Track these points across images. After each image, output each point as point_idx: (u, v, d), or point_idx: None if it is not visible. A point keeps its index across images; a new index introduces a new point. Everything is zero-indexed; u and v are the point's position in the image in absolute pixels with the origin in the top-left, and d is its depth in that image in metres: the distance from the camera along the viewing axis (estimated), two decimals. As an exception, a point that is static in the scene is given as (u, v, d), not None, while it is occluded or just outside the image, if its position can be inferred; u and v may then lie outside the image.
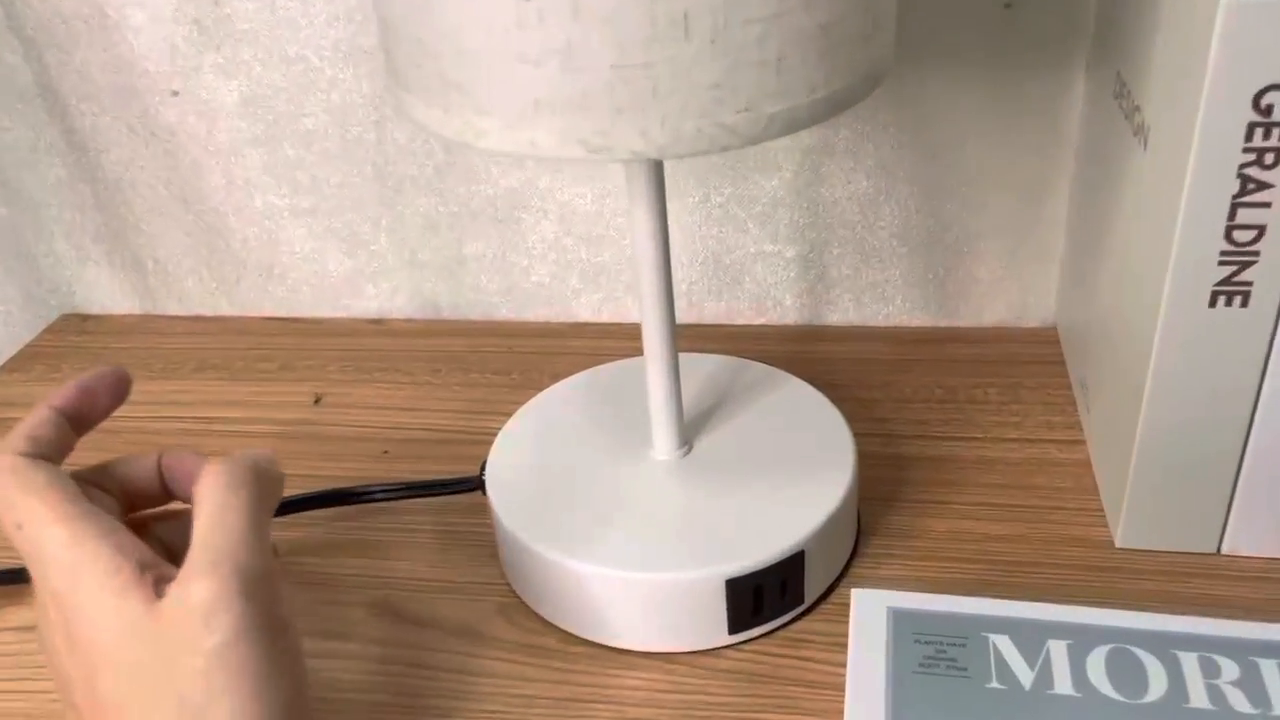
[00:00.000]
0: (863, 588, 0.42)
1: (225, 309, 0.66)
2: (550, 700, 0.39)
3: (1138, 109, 0.42)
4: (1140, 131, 0.41)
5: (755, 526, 0.41)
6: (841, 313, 0.59)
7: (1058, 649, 0.35)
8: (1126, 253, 0.43)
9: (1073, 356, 0.53)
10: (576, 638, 0.42)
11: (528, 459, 0.45)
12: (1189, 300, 0.37)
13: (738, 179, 0.56)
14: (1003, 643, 0.35)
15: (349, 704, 0.40)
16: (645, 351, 0.42)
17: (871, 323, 0.59)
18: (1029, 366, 0.55)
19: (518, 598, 0.44)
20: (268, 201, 0.62)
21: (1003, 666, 0.34)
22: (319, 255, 0.63)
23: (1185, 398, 0.39)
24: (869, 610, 0.37)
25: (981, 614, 0.36)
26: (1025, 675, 0.34)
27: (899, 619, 0.36)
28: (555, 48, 0.29)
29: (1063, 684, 0.34)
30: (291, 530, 0.48)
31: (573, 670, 0.40)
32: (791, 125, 0.31)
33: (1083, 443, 0.49)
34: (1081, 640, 0.35)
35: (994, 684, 0.34)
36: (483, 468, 0.46)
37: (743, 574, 0.39)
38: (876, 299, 0.59)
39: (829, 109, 0.32)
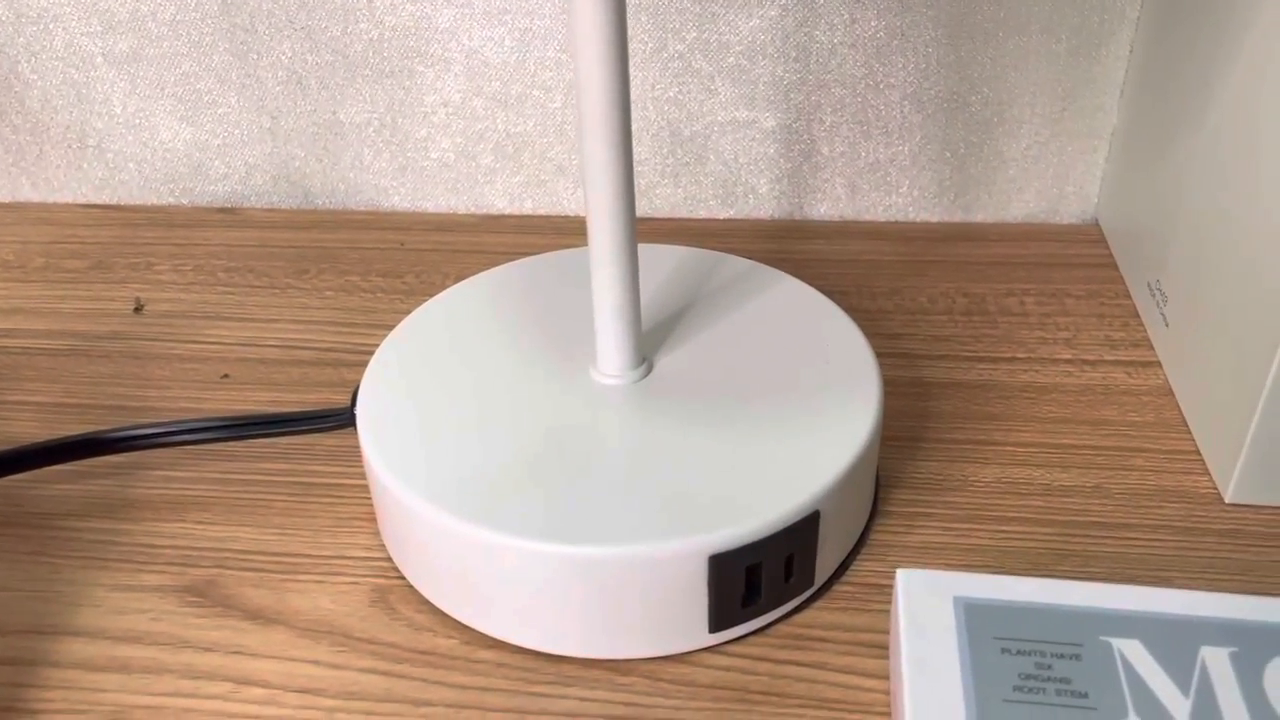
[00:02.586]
0: (898, 562, 0.30)
1: (27, 193, 0.50)
2: (447, 736, 0.26)
3: (1290, -113, 0.29)
4: (1294, -82, 0.29)
5: (748, 478, 0.28)
6: (832, 203, 0.47)
7: (1217, 660, 0.23)
8: (1250, 120, 0.31)
9: (1135, 257, 0.41)
10: (487, 638, 0.29)
11: (417, 385, 0.32)
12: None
13: (705, 20, 0.43)
14: (1133, 651, 0.23)
15: (139, 747, 0.26)
16: (590, 229, 0.29)
17: (869, 216, 0.47)
18: (1071, 270, 0.43)
19: (402, 578, 0.30)
20: (72, 43, 0.46)
21: (1141, 691, 0.23)
22: (146, 119, 0.48)
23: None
24: (925, 602, 0.25)
25: (1097, 607, 0.24)
26: (1178, 703, 0.22)
27: (973, 616, 0.24)
28: None
29: (1234, 714, 0.22)
30: (80, 484, 0.34)
31: (482, 686, 0.27)
32: None
33: (1157, 364, 0.38)
34: (1251, 645, 0.23)
35: (1133, 719, 0.22)
36: (354, 397, 0.32)
37: (733, 547, 0.26)
38: (878, 185, 0.46)
39: None
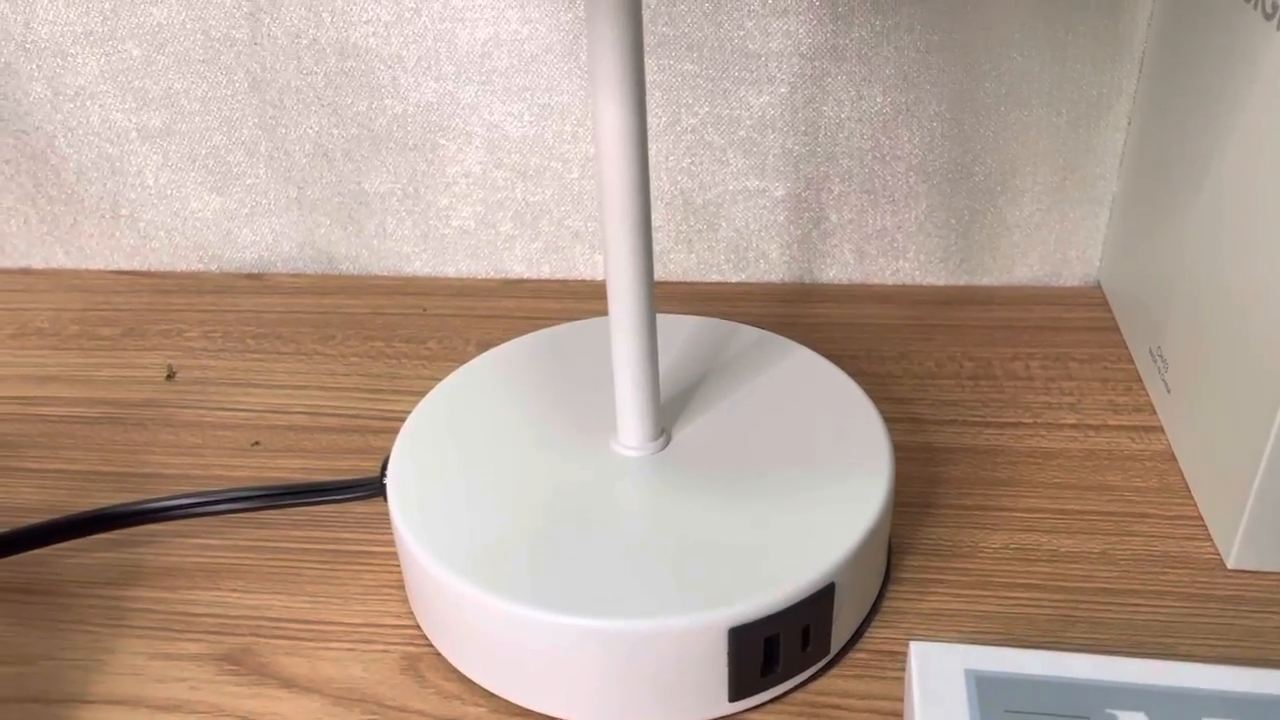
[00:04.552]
0: (911, 629, 0.31)
1: (60, 260, 0.52)
2: (477, 805, 0.27)
3: (1275, -18, 0.31)
4: (1277, 13, 0.31)
5: (766, 550, 0.29)
6: (840, 267, 0.48)
7: (1220, 734, 0.24)
8: (1246, 189, 0.32)
9: (1137, 322, 0.43)
10: (514, 706, 0.30)
11: (443, 457, 0.33)
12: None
13: (716, 95, 0.44)
14: (1139, 724, 0.24)
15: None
16: (611, 305, 0.30)
17: (877, 280, 0.48)
18: (1075, 334, 0.44)
19: (430, 646, 0.32)
20: (108, 119, 0.48)
21: (1144, 762, 0.24)
22: (177, 190, 0.49)
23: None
24: (938, 674, 0.26)
25: (1103, 680, 0.25)
26: (1181, 776, 0.23)
27: (984, 688, 0.25)
28: None
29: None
30: (118, 551, 0.35)
31: (509, 757, 0.28)
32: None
33: (1160, 429, 0.39)
34: (1253, 718, 0.24)
35: (1133, 789, 0.23)
36: (384, 467, 0.33)
37: (753, 620, 0.28)
38: (885, 250, 0.47)
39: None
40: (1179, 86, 0.38)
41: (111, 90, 0.47)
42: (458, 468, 0.32)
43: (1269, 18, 0.31)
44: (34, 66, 0.47)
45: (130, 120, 0.48)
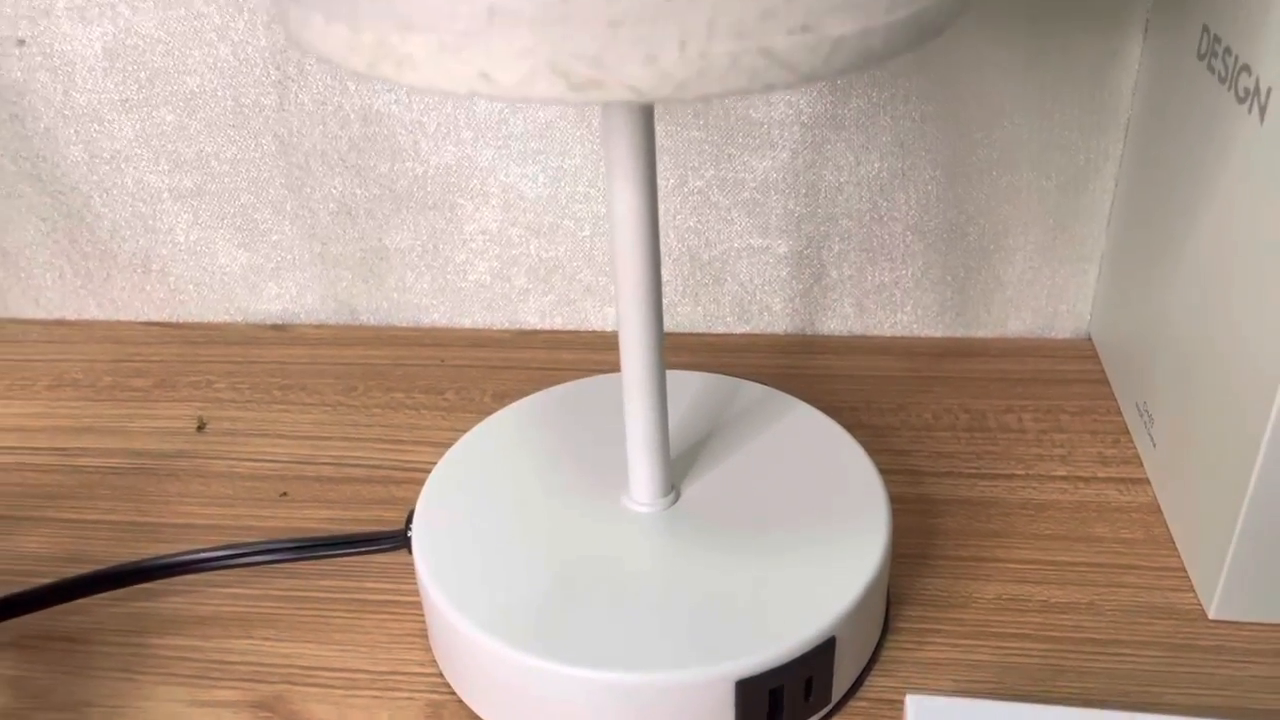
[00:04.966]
0: (908, 678, 0.33)
1: (93, 312, 0.54)
2: (500, 847, 0.29)
3: (1245, 69, 0.33)
4: (1250, 98, 0.33)
5: (771, 604, 0.31)
6: (841, 320, 0.50)
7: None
8: (1221, 254, 0.34)
9: (1124, 376, 0.45)
10: (533, 753, 0.31)
11: (464, 513, 0.35)
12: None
13: (721, 159, 0.47)
14: (1119, 774, 0.26)
15: None
16: (624, 371, 0.32)
17: (876, 332, 0.50)
18: (1066, 386, 0.46)
19: (453, 693, 0.33)
20: (142, 180, 0.50)
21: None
22: (207, 247, 0.52)
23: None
24: (931, 725, 0.27)
25: (1086, 732, 0.27)
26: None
27: (975, 739, 0.27)
28: (521, -77, 0.19)
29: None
30: (157, 601, 0.37)
31: (529, 801, 0.30)
32: (861, 56, 0.21)
33: (1146, 482, 0.41)
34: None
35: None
36: (409, 520, 0.35)
37: (759, 672, 0.29)
38: (884, 304, 0.49)
39: (911, 35, 0.22)
40: (1162, 153, 0.41)
41: (145, 153, 0.49)
42: (478, 522, 0.34)
43: (1241, 101, 0.34)
44: (72, 131, 0.49)
45: (163, 181, 0.50)
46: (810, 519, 0.34)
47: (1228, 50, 0.35)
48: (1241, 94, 0.33)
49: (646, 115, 0.28)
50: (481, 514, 0.35)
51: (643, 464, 0.34)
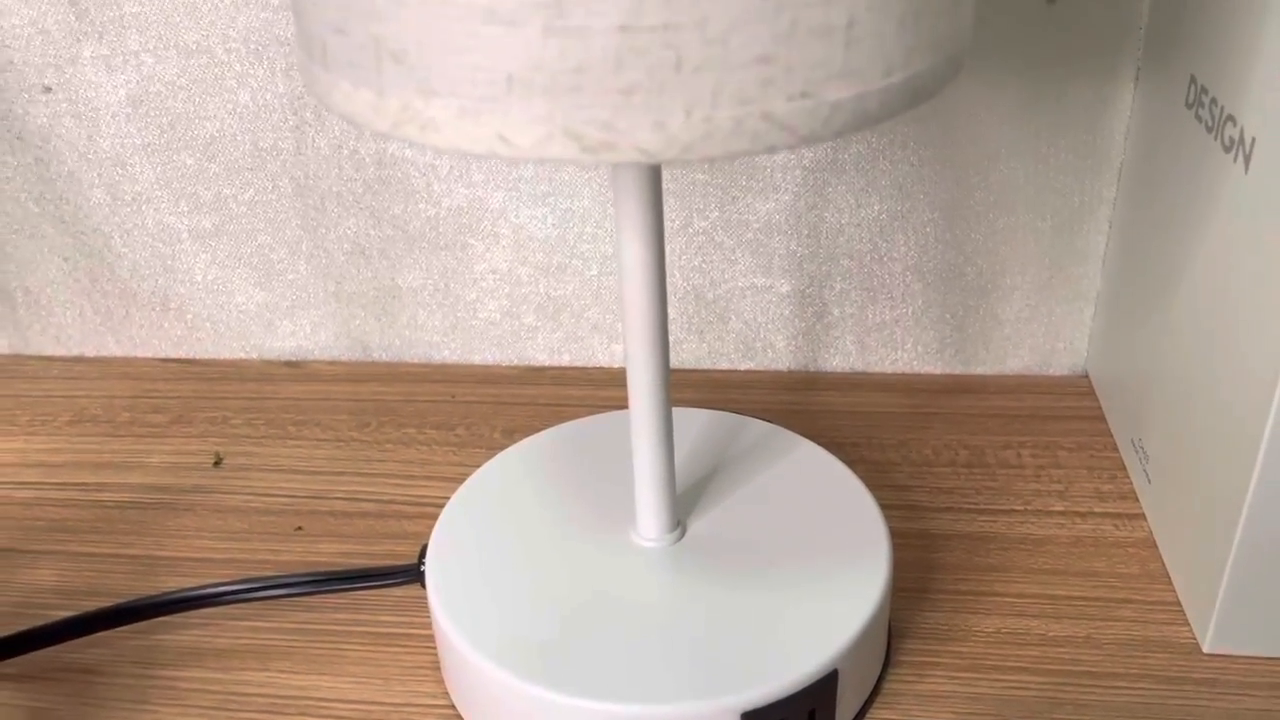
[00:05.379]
0: (909, 710, 0.34)
1: (112, 349, 0.56)
2: None
3: (1230, 119, 0.34)
4: (1235, 147, 0.34)
5: (774, 639, 0.32)
6: (842, 357, 0.51)
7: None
8: (1212, 296, 0.35)
9: (1120, 413, 0.46)
10: (543, 784, 0.32)
11: (476, 548, 0.36)
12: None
13: (726, 201, 0.48)
14: (1113, 805, 0.27)
15: None
16: (631, 412, 0.34)
17: (877, 369, 0.51)
18: (1063, 422, 0.47)
19: (466, 725, 0.34)
20: (162, 221, 0.51)
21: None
22: (224, 286, 0.53)
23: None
24: (931, 756, 0.28)
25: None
26: None
27: (973, 770, 0.28)
28: (539, 0, 0.20)
29: None
30: (175, 634, 0.38)
31: (540, 831, 0.31)
32: (858, 119, 0.23)
33: (1142, 517, 0.42)
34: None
35: None
36: (422, 555, 0.36)
37: (763, 705, 0.30)
38: (884, 342, 0.50)
39: (905, 99, 0.23)
40: (1154, 197, 0.42)
41: (166, 196, 0.51)
42: (489, 557, 0.35)
43: (1227, 150, 0.35)
44: (95, 174, 0.50)
45: (182, 223, 0.51)
46: (813, 554, 0.35)
47: (1214, 100, 0.36)
48: (1227, 143, 0.35)
49: (654, 174, 0.29)
50: (492, 549, 0.36)
51: (649, 500, 0.35)
